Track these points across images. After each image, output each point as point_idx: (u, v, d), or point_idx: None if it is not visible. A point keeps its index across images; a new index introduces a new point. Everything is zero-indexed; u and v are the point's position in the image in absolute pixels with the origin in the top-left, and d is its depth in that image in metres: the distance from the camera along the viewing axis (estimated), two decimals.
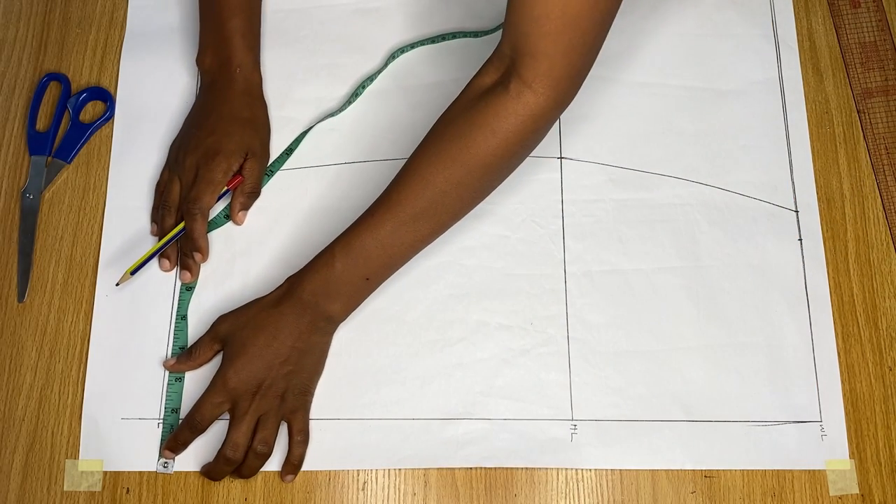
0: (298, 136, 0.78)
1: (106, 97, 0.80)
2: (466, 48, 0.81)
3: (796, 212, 0.76)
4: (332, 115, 0.79)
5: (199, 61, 0.79)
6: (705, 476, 0.69)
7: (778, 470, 0.69)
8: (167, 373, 0.71)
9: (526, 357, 0.72)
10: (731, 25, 0.82)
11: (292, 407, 0.68)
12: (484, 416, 0.70)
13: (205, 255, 0.73)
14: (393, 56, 0.81)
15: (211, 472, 0.68)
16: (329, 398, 0.70)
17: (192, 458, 0.69)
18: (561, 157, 0.78)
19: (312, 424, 0.70)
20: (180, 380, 0.71)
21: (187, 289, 0.73)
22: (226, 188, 0.74)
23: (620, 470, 0.69)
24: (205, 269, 0.74)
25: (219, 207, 0.76)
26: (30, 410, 0.71)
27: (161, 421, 0.70)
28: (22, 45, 0.82)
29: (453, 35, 0.82)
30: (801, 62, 0.81)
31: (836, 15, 0.83)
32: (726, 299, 0.74)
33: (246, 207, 0.75)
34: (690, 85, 0.80)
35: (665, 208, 0.76)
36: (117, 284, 0.73)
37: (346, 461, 0.69)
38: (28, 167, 0.78)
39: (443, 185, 0.65)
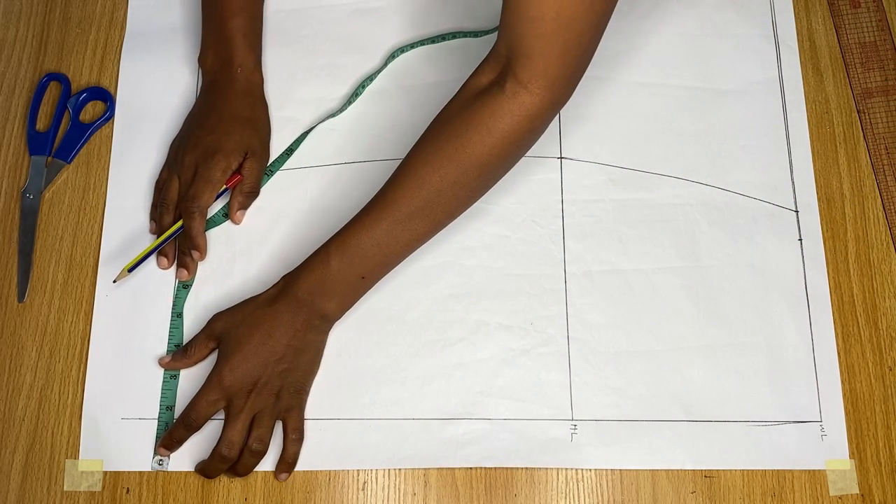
0: (299, 137, 0.78)
1: (106, 97, 0.80)
2: (466, 48, 0.81)
3: (796, 212, 0.76)
4: (332, 115, 0.79)
5: (201, 61, 0.79)
6: (705, 476, 0.69)
7: (778, 470, 0.69)
8: (165, 371, 0.71)
9: (526, 357, 0.72)
10: (731, 25, 0.82)
11: (287, 405, 0.68)
12: (484, 416, 0.70)
13: (202, 253, 0.74)
14: (393, 56, 0.81)
15: (206, 469, 0.68)
16: (329, 398, 0.70)
17: (192, 458, 0.69)
18: (561, 157, 0.78)
19: (312, 424, 0.70)
20: (175, 377, 0.71)
21: (184, 286, 0.74)
22: (224, 187, 0.74)
23: (620, 470, 0.69)
24: (205, 269, 0.74)
25: (217, 206, 0.76)
26: (30, 410, 0.71)
27: (154, 417, 0.70)
28: (22, 45, 0.82)
29: (453, 35, 0.82)
30: (801, 62, 0.81)
31: (836, 15, 0.83)
32: (726, 299, 0.74)
33: (244, 207, 0.75)
34: (690, 85, 0.80)
35: (665, 208, 0.76)
36: (114, 281, 0.73)
37: (346, 461, 0.69)
38: (28, 167, 0.78)
39: (438, 185, 0.65)
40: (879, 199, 0.77)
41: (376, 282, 0.70)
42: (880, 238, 0.76)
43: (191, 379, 0.71)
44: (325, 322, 0.70)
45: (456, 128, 0.65)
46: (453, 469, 0.69)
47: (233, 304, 0.71)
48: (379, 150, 0.78)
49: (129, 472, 0.69)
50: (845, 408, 0.71)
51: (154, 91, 0.80)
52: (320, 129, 0.79)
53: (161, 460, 0.69)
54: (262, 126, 0.77)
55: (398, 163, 0.68)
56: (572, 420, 0.70)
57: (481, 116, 0.63)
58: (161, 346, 0.72)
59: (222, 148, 0.73)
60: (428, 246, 0.70)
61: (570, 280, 0.74)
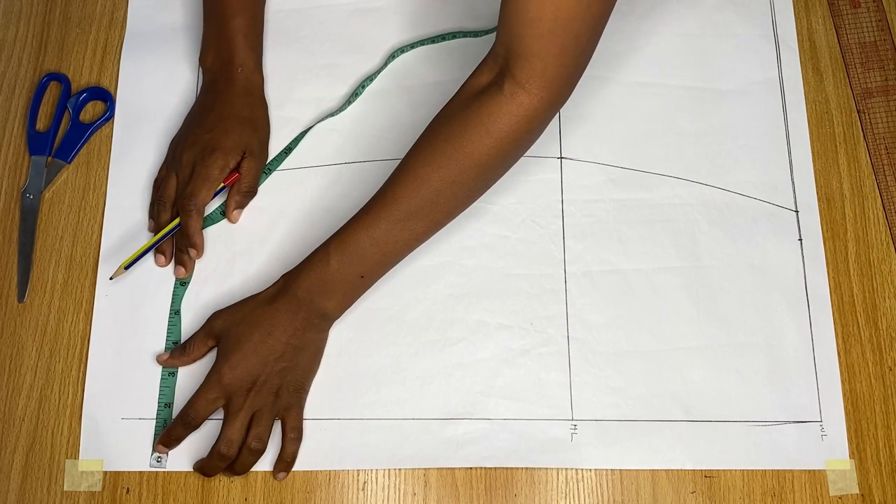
0: (298, 136, 0.78)
1: (106, 97, 0.80)
2: (466, 48, 0.81)
3: (796, 212, 0.76)
4: (331, 114, 0.79)
5: (202, 60, 0.79)
6: (705, 476, 0.69)
7: (778, 470, 0.69)
8: (163, 368, 0.71)
9: (526, 357, 0.72)
10: (731, 25, 0.82)
11: (286, 404, 0.68)
12: (484, 416, 0.70)
13: (200, 251, 0.74)
14: (393, 56, 0.81)
15: (204, 468, 0.68)
16: (329, 398, 0.70)
17: (191, 457, 0.69)
18: (561, 157, 0.78)
19: (312, 424, 0.70)
20: (174, 374, 0.71)
21: (181, 284, 0.74)
22: (222, 185, 0.74)
23: (620, 470, 0.69)
24: (205, 269, 0.74)
25: (215, 204, 0.76)
26: (30, 410, 0.71)
27: (154, 416, 0.70)
28: (22, 45, 0.82)
29: (453, 35, 0.82)
30: (801, 62, 0.81)
31: (836, 15, 0.83)
32: (726, 299, 0.74)
33: (241, 206, 0.75)
34: (690, 85, 0.80)
35: (665, 208, 0.76)
36: (111, 278, 0.73)
37: (346, 461, 0.69)
38: (28, 167, 0.78)
39: (437, 184, 0.65)
40: (879, 199, 0.77)
41: (376, 281, 0.70)
42: (880, 238, 0.76)
43: (189, 377, 0.71)
44: (325, 321, 0.70)
45: (455, 128, 0.65)
46: (453, 469, 0.69)
47: (232, 303, 0.71)
48: (379, 150, 0.78)
49: (129, 472, 0.69)
50: (845, 408, 0.71)
51: (154, 91, 0.80)
52: (320, 128, 0.79)
53: (159, 458, 0.69)
54: (261, 126, 0.77)
55: (398, 163, 0.68)
56: (572, 420, 0.70)
57: (480, 117, 0.63)
58: (161, 347, 0.72)
59: (220, 146, 0.73)
60: (428, 246, 0.70)
61: (570, 280, 0.74)
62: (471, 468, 0.69)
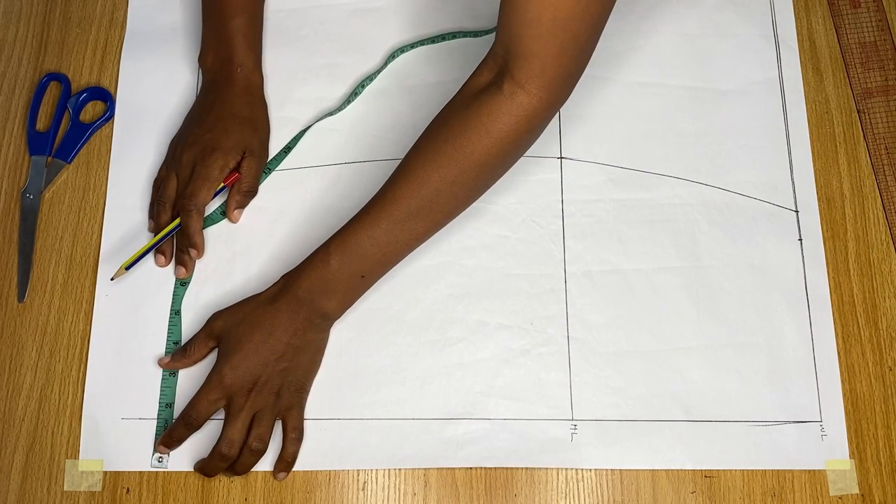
0: (297, 135, 0.78)
1: (106, 97, 0.80)
2: (466, 48, 0.81)
3: (796, 212, 0.76)
4: (330, 113, 0.79)
5: (201, 60, 0.79)
6: (705, 476, 0.69)
7: (778, 470, 0.69)
8: (164, 370, 0.71)
9: (526, 357, 0.72)
10: (731, 25, 0.82)
11: (288, 404, 0.68)
12: (484, 416, 0.70)
13: (200, 251, 0.74)
14: (393, 56, 0.81)
15: (205, 468, 0.68)
16: (329, 398, 0.70)
17: (192, 457, 0.69)
18: (561, 157, 0.78)
19: (313, 424, 0.70)
20: (174, 374, 0.71)
21: (182, 284, 0.74)
22: (222, 185, 0.74)
23: (620, 470, 0.69)
24: (205, 269, 0.74)
25: (215, 204, 0.76)
26: (30, 410, 0.71)
27: (154, 416, 0.70)
28: (22, 45, 0.82)
29: (453, 35, 0.82)
30: (801, 62, 0.81)
31: (836, 15, 0.83)
32: (726, 299, 0.74)
33: (242, 206, 0.75)
34: (690, 85, 0.80)
35: (665, 208, 0.76)
36: (112, 279, 0.73)
37: (346, 461, 0.69)
38: (28, 167, 0.78)
39: (438, 184, 0.65)
40: (879, 199, 0.77)
41: (376, 280, 0.70)
42: (880, 238, 0.76)
43: (190, 377, 0.71)
44: (326, 321, 0.70)
45: (454, 128, 0.65)
46: (453, 469, 0.69)
47: (232, 304, 0.71)
48: (379, 150, 0.78)
49: (129, 472, 0.69)
50: (845, 408, 0.71)
51: (154, 91, 0.80)
52: (320, 128, 0.79)
53: (161, 458, 0.69)
54: (261, 126, 0.77)
55: (398, 163, 0.68)
56: (572, 420, 0.70)
57: (479, 116, 0.64)
58: (161, 347, 0.72)
59: (220, 146, 0.73)
60: (428, 246, 0.70)
61: (570, 280, 0.74)
62: (471, 468, 0.69)
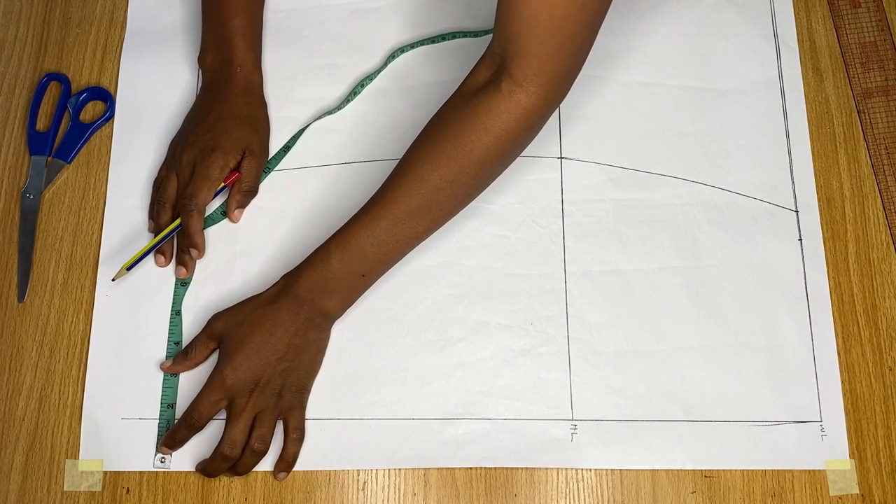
0: (296, 133, 0.78)
1: (106, 97, 0.80)
2: (466, 48, 0.81)
3: (796, 212, 0.76)
4: (329, 112, 0.79)
5: (201, 60, 0.79)
6: (705, 476, 0.69)
7: (778, 470, 0.69)
8: None
9: (526, 357, 0.72)
10: (731, 25, 0.82)
11: (289, 404, 0.68)
12: (484, 416, 0.70)
13: (201, 251, 0.74)
14: (393, 56, 0.81)
15: (207, 468, 0.68)
16: (329, 398, 0.70)
17: (193, 457, 0.69)
18: (561, 157, 0.78)
19: (313, 424, 0.70)
20: (175, 375, 0.71)
21: (182, 284, 0.74)
22: (223, 185, 0.74)
23: (620, 470, 0.69)
24: (205, 269, 0.74)
25: (216, 204, 0.76)
26: (30, 410, 0.71)
27: (154, 416, 0.70)
28: (22, 45, 0.82)
29: (453, 35, 0.82)
30: (801, 62, 0.81)
31: (836, 15, 0.83)
32: (726, 299, 0.74)
33: (242, 205, 0.75)
34: (690, 85, 0.80)
35: (665, 208, 0.76)
36: (113, 280, 0.73)
37: (346, 461, 0.69)
38: (28, 167, 0.78)
39: (437, 183, 0.65)
40: (879, 199, 0.77)
41: (377, 279, 0.70)
42: (880, 238, 0.76)
43: (191, 377, 0.71)
44: (326, 320, 0.70)
45: (453, 126, 0.65)
46: (453, 469, 0.69)
47: (232, 304, 0.71)
48: (379, 150, 0.78)
49: (129, 472, 0.69)
50: (845, 408, 0.71)
51: (154, 91, 0.80)
52: (320, 128, 0.79)
53: (163, 458, 0.69)
54: (260, 125, 0.77)
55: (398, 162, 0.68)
56: (572, 420, 0.70)
57: (478, 115, 0.64)
58: (161, 347, 0.72)
59: (220, 146, 0.73)
60: (428, 246, 0.70)
61: (570, 280, 0.74)
62: (471, 468, 0.69)
